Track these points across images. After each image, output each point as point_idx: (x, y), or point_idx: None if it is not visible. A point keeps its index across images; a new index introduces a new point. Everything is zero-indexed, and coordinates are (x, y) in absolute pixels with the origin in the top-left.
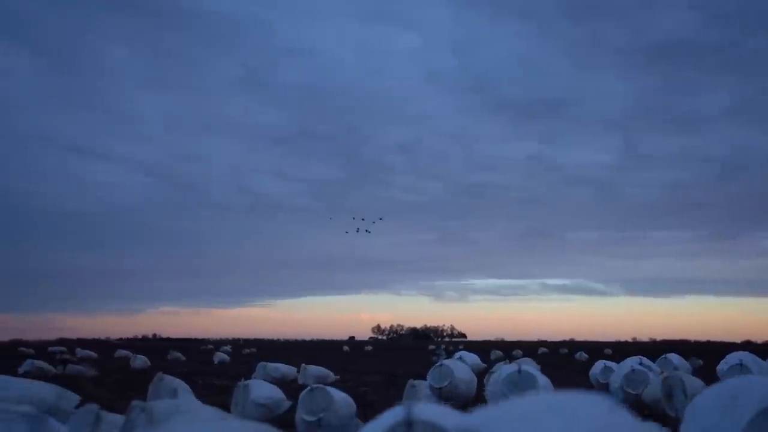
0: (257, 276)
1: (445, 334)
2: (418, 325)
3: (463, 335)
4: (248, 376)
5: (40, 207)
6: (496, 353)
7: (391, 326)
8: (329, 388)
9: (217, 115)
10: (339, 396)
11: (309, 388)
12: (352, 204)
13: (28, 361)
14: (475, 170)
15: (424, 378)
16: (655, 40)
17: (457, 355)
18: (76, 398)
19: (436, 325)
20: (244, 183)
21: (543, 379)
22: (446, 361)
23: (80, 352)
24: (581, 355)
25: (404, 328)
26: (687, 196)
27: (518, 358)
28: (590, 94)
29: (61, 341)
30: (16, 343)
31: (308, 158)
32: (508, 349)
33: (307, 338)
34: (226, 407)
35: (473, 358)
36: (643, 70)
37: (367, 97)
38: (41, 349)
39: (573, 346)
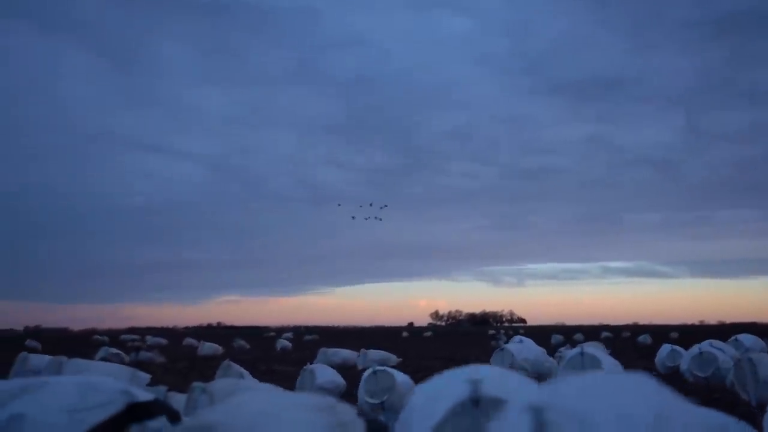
0: (316, 264)
1: (504, 319)
2: (477, 310)
3: (523, 320)
4: (311, 362)
5: (109, 203)
6: (556, 338)
7: (450, 312)
8: (392, 370)
9: (271, 107)
10: (402, 378)
11: (372, 369)
12: (408, 191)
13: (104, 348)
14: (531, 154)
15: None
16: (720, 12)
17: (516, 339)
18: (146, 377)
19: (494, 310)
20: (301, 173)
21: (608, 361)
22: (507, 345)
23: (150, 339)
24: (645, 339)
25: (463, 314)
26: (755, 172)
27: (579, 342)
28: (650, 71)
29: (132, 330)
30: (90, 332)
31: (363, 147)
32: (569, 333)
33: (367, 325)
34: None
35: (530, 342)
36: (707, 44)
37: (418, 83)
38: (114, 337)
39: (636, 329)
